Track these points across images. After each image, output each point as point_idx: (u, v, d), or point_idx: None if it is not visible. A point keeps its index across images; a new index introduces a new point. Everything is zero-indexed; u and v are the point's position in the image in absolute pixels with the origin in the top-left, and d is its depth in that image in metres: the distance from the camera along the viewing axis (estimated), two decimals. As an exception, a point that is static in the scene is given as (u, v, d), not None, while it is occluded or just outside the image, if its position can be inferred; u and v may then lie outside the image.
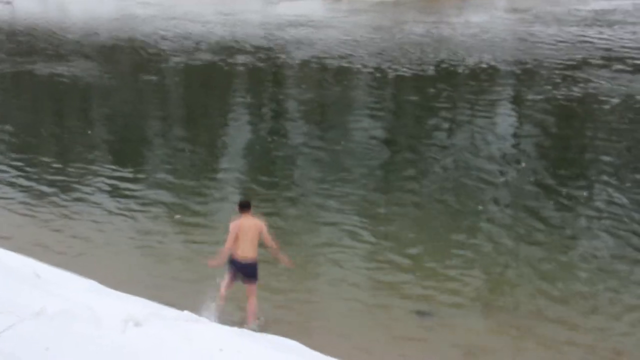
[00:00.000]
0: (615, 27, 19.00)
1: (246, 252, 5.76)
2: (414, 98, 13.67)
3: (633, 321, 6.10)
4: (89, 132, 12.39)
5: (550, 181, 9.02)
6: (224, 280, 5.96)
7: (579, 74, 13.94)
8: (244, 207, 5.94)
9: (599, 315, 6.21)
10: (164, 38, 20.13)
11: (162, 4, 24.93)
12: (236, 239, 5.76)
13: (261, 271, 5.99)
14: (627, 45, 16.70)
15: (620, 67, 14.49)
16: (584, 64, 14.89)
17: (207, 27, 21.49)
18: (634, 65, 14.66)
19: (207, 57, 17.59)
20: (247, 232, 5.77)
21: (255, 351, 4.61)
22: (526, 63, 15.41)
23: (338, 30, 20.10)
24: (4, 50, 19.33)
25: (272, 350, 4.68)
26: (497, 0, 23.10)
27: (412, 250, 7.30)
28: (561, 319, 6.11)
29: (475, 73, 14.91)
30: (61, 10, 25.90)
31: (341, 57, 16.69)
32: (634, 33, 18.01)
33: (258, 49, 18.19)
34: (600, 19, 20.26)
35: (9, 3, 27.22)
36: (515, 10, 22.00)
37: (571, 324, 6.04)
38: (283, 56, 17.35)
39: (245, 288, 5.94)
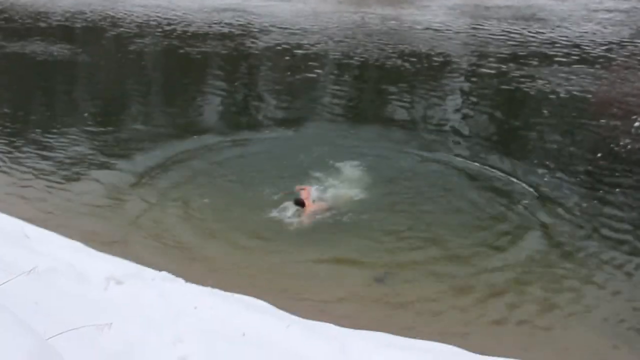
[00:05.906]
0: (539, 24, 20.19)
1: None
2: (367, 82, 14.93)
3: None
4: (85, 114, 12.55)
5: (489, 168, 9.48)
6: None
7: (515, 68, 14.81)
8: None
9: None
10: (124, 21, 21.58)
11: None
12: None
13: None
14: (557, 41, 17.71)
15: (553, 61, 15.41)
16: (518, 58, 15.78)
17: (154, 11, 23.05)
18: (566, 60, 15.46)
19: (167, 41, 18.51)
20: None
21: (225, 309, 5.06)
22: (467, 55, 16.42)
23: (280, 19, 21.28)
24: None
25: (241, 309, 5.11)
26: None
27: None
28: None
29: (426, 62, 15.70)
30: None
31: (299, 45, 17.58)
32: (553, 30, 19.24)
33: (215, 35, 19.19)
34: (527, 15, 21.46)
35: None
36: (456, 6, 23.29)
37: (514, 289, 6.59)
38: (249, 42, 18.25)
39: None
